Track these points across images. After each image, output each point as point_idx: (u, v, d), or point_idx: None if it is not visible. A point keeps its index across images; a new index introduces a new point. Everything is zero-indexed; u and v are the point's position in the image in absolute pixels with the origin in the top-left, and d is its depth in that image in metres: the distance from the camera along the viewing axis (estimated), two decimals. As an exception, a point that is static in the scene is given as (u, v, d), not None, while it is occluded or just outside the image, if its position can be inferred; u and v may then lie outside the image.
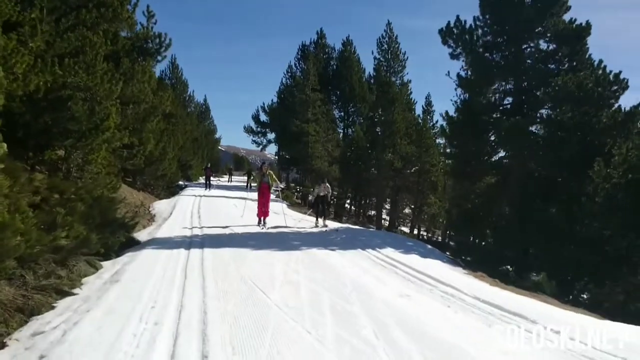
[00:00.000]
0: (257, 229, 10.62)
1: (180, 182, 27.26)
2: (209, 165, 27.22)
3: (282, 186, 15.09)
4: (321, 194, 12.64)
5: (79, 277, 5.69)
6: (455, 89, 29.95)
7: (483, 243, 13.46)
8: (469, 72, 13.04)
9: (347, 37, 35.10)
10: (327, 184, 13.01)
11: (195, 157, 36.11)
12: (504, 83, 12.92)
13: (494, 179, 13.90)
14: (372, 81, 34.20)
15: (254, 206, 12.53)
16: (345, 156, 29.30)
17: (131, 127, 13.73)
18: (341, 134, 36.31)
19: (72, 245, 5.81)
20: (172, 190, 22.58)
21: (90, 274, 5.81)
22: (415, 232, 33.72)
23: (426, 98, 35.24)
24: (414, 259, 7.98)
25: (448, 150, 17.28)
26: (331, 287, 5.42)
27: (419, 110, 32.40)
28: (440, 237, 35.11)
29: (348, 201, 35.31)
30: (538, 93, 11.94)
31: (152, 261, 6.32)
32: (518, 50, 12.38)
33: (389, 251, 8.49)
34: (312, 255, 7.54)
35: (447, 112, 13.77)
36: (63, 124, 9.08)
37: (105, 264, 6.32)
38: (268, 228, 10.86)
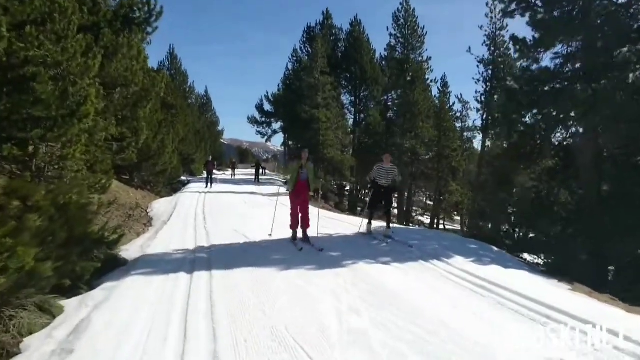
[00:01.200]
0: (278, 236, 7.87)
1: (183, 178, 25.19)
2: (210, 158, 24.03)
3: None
4: (382, 182, 8.10)
5: (18, 336, 3.63)
6: (477, 66, 28.01)
7: (544, 238, 11.23)
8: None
9: (355, 17, 32.71)
10: (394, 166, 8.29)
11: (198, 150, 34.00)
12: (565, 45, 10.69)
13: (551, 161, 11.68)
14: (383, 63, 31.94)
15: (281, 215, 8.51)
16: (361, 143, 26.97)
17: (119, 115, 11.63)
18: (351, 121, 34.04)
19: (9, 285, 3.75)
20: (174, 187, 20.52)
21: (39, 329, 3.74)
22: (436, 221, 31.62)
23: (442, 79, 32.97)
24: (499, 274, 5.84)
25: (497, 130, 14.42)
26: (424, 345, 3.30)
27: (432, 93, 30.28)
28: (459, 226, 33.07)
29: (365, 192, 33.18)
30: (615, 53, 9.69)
31: (136, 300, 4.22)
32: (586, 3, 10.09)
33: (459, 261, 6.35)
34: (365, 275, 5.39)
35: (501, 84, 11.52)
36: (27, 110, 7.04)
37: (68, 304, 4.27)
38: (318, 248, 6.90)
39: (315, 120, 25.53)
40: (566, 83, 10.46)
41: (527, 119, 11.28)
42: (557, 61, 10.66)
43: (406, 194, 31.66)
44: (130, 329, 3.46)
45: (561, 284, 6.05)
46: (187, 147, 28.78)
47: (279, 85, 38.71)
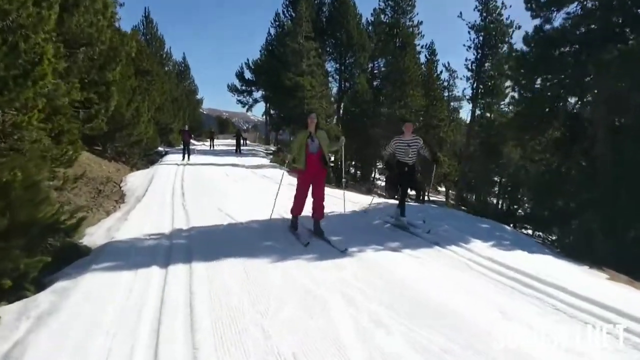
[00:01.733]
0: (267, 217, 6.71)
1: (160, 148, 23.84)
2: (186, 127, 21.32)
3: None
4: (405, 159, 6.43)
5: None
6: (469, 32, 26.95)
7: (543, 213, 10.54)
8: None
9: (341, -21, 31.00)
10: (416, 137, 6.53)
11: (176, 119, 32.39)
12: (580, 4, 9.72)
13: (557, 132, 10.89)
14: (370, 28, 30.60)
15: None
16: (347, 112, 25.81)
17: (85, 78, 10.35)
18: (335, 89, 32.74)
19: None
20: (151, 158, 19.15)
21: (-43, 356, 2.77)
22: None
23: (429, 47, 31.73)
24: (528, 262, 5.04)
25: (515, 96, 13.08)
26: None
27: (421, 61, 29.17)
28: (444, 198, 32.61)
29: (350, 162, 32.32)
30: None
31: (93, 309, 3.26)
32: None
33: (479, 246, 5.54)
34: (376, 267, 4.52)
35: (511, 46, 10.57)
36: (-32, 69, 5.80)
37: (7, 312, 3.33)
38: (340, 248, 5.12)
39: (300, 87, 24.25)
40: (577, 46, 9.56)
41: (538, 85, 10.40)
42: (570, 22, 9.72)
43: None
44: (84, 354, 2.52)
45: (593, 270, 5.34)
46: (164, 116, 27.23)
47: (260, 52, 37.06)
